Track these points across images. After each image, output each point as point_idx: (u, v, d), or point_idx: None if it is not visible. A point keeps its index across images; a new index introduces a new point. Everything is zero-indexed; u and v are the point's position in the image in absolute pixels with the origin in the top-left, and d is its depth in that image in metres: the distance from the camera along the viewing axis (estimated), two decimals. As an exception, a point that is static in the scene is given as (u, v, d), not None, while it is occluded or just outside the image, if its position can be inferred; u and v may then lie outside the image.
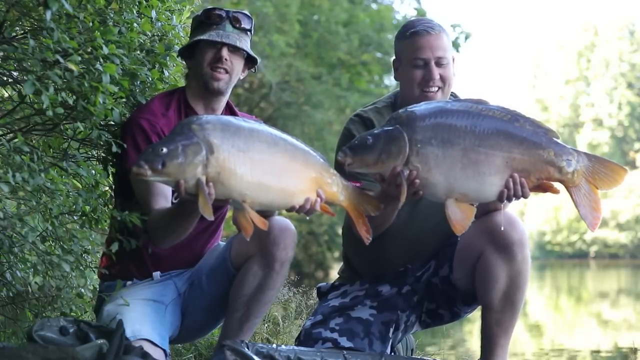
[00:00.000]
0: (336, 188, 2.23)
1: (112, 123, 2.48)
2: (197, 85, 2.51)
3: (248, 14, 2.55)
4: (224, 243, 2.58)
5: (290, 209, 2.17)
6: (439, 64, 2.52)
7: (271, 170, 2.10)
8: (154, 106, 2.47)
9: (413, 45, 2.54)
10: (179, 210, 2.23)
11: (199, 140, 2.03)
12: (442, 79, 2.53)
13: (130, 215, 2.31)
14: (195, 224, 2.32)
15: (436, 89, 2.53)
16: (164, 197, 2.34)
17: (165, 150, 2.00)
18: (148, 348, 2.25)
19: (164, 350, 2.34)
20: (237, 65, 2.50)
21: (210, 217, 2.04)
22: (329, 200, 2.22)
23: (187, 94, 2.55)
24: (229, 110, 2.61)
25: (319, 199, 2.18)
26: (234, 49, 2.47)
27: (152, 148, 2.04)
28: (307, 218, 2.24)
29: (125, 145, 2.40)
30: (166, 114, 2.47)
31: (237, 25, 2.49)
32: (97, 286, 2.61)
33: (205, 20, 2.48)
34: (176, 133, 2.07)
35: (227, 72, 2.48)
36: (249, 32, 2.53)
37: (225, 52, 2.45)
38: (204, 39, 2.45)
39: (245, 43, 2.51)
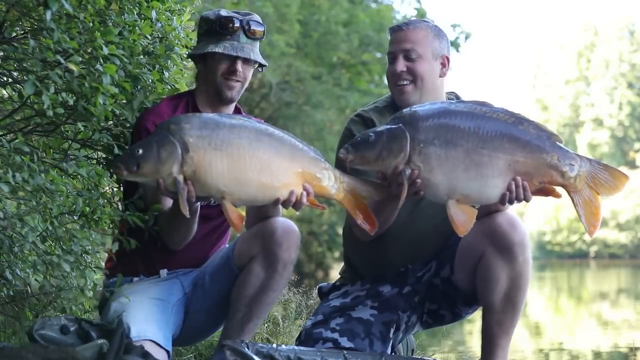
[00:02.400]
0: (327, 182, 2.24)
1: (113, 124, 2.48)
2: (208, 91, 2.52)
3: (259, 19, 2.55)
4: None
5: (275, 204, 2.20)
6: (407, 57, 2.53)
7: (250, 166, 2.14)
8: (161, 109, 2.48)
9: (389, 42, 2.61)
10: (176, 209, 2.24)
11: (174, 140, 2.10)
12: (411, 72, 2.53)
13: (131, 215, 2.32)
14: (196, 223, 2.34)
15: (406, 82, 2.53)
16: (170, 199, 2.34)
17: (140, 151, 2.09)
18: (152, 349, 2.26)
19: (167, 352, 2.34)
20: (248, 74, 2.52)
21: (186, 214, 2.11)
22: (319, 194, 2.24)
23: (197, 98, 2.55)
24: (237, 113, 2.61)
25: (305, 193, 2.20)
26: (247, 60, 2.48)
27: (129, 149, 2.13)
28: (297, 213, 2.28)
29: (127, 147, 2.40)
30: (172, 116, 2.47)
31: (250, 34, 2.48)
32: (98, 284, 2.61)
33: (218, 29, 2.47)
34: (155, 134, 2.16)
35: (239, 81, 2.49)
36: (260, 38, 2.53)
37: (239, 65, 2.46)
38: (218, 52, 2.44)
39: (257, 50, 2.52)
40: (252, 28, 2.48)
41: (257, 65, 2.55)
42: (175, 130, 2.12)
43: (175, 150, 2.09)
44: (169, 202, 2.35)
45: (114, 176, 2.59)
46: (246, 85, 2.54)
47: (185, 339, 2.64)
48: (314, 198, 2.23)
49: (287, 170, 2.18)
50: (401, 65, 2.52)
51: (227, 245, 2.67)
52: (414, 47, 2.52)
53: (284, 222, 2.37)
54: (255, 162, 2.14)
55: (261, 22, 2.55)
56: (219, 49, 2.44)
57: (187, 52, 2.66)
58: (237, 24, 2.46)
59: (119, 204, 2.57)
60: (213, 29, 2.48)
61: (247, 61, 2.49)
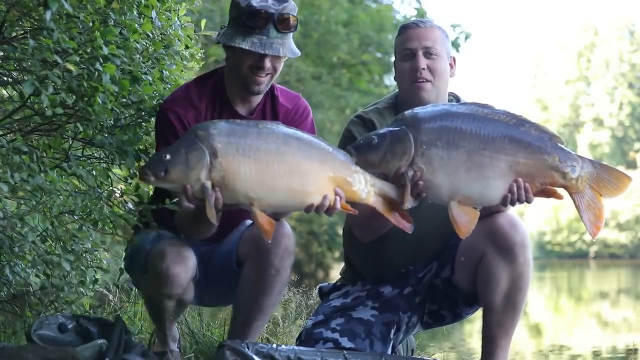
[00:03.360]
0: (358, 186, 2.20)
1: (115, 125, 2.48)
2: (236, 81, 2.42)
3: (293, 8, 2.35)
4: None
5: (308, 209, 2.14)
6: (427, 54, 2.51)
7: (279, 172, 2.09)
8: (185, 94, 2.41)
9: (402, 39, 2.57)
10: (198, 215, 2.20)
11: (203, 145, 2.06)
12: (431, 70, 2.50)
13: (126, 215, 2.34)
14: (215, 227, 2.27)
15: (425, 80, 2.50)
16: None
17: (168, 157, 2.05)
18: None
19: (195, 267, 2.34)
20: (279, 66, 2.40)
21: (213, 222, 2.07)
22: (349, 199, 2.19)
23: (226, 84, 2.45)
24: (271, 96, 2.50)
25: (338, 198, 2.15)
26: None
27: (157, 155, 2.09)
28: (330, 218, 2.22)
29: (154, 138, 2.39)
30: (198, 105, 2.40)
31: (282, 28, 2.32)
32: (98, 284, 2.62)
33: (247, 22, 2.30)
34: (182, 140, 2.11)
35: (268, 74, 2.38)
36: (294, 29, 2.37)
37: (267, 62, 2.34)
38: (245, 48, 2.30)
39: (288, 43, 2.36)
40: (283, 22, 2.31)
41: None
42: (203, 136, 2.07)
43: (204, 155, 2.05)
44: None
45: (112, 177, 2.60)
46: (277, 75, 2.41)
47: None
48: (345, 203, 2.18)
49: (317, 175, 2.14)
50: (423, 62, 2.49)
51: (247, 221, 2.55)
52: (434, 45, 2.51)
53: (276, 226, 2.30)
54: (284, 168, 2.09)
55: (295, 12, 2.35)
56: (246, 44, 2.31)
57: (216, 38, 2.44)
58: (267, 17, 2.30)
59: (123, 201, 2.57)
60: (241, 20, 2.31)
61: (276, 57, 2.36)
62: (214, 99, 2.45)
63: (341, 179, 2.18)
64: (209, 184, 2.06)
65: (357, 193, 2.20)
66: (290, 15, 2.34)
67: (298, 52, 2.40)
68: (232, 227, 2.51)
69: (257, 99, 2.48)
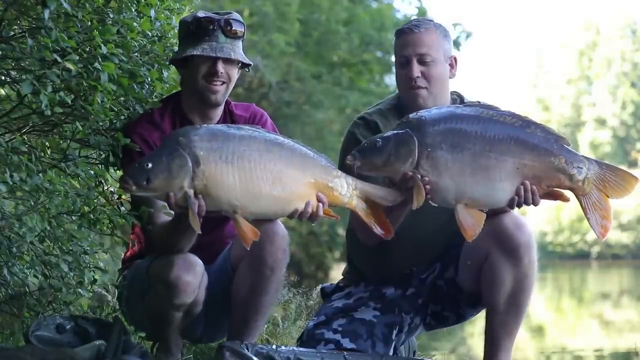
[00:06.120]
0: (339, 190, 2.19)
1: (113, 125, 2.46)
2: (193, 96, 2.46)
3: (239, 17, 2.47)
4: None
5: (291, 216, 2.15)
6: (421, 61, 2.48)
7: (261, 179, 2.09)
8: (148, 117, 2.44)
9: (398, 45, 2.55)
10: (177, 224, 2.20)
11: (185, 153, 2.05)
12: (426, 77, 2.47)
13: (127, 215, 2.32)
14: (195, 237, 2.27)
15: (420, 88, 2.47)
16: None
17: (149, 165, 2.03)
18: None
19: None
20: (233, 74, 2.44)
21: (197, 230, 2.06)
22: (332, 203, 2.19)
23: (183, 103, 2.49)
24: (227, 111, 2.55)
25: (320, 204, 2.15)
26: (229, 60, 2.41)
27: (138, 163, 2.07)
28: (313, 224, 2.22)
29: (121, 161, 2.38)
30: (161, 124, 2.43)
31: (230, 34, 2.40)
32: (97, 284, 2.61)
33: (196, 31, 2.39)
34: (163, 147, 2.10)
35: (223, 82, 2.42)
36: (241, 37, 2.46)
37: (220, 66, 2.39)
38: (197, 55, 2.37)
39: (238, 49, 2.44)
40: (230, 27, 2.40)
41: (240, 65, 2.46)
42: (184, 143, 2.06)
43: (186, 163, 2.04)
44: (166, 217, 2.28)
45: (109, 179, 2.58)
46: (232, 85, 2.45)
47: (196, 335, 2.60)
48: (328, 208, 2.18)
49: (299, 182, 2.13)
50: (416, 70, 2.46)
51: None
52: (428, 51, 2.47)
53: (269, 225, 2.28)
54: (266, 175, 2.09)
55: (241, 20, 2.46)
56: (197, 51, 2.37)
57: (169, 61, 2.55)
58: (213, 23, 2.38)
59: (119, 203, 2.55)
60: (191, 31, 2.41)
61: (229, 61, 2.40)
62: (174, 120, 2.47)
63: (323, 184, 2.17)
64: (191, 192, 2.04)
65: (340, 197, 2.20)
66: (237, 22, 2.42)
67: (250, 61, 2.46)
68: (222, 248, 2.51)
69: (216, 115, 2.50)
